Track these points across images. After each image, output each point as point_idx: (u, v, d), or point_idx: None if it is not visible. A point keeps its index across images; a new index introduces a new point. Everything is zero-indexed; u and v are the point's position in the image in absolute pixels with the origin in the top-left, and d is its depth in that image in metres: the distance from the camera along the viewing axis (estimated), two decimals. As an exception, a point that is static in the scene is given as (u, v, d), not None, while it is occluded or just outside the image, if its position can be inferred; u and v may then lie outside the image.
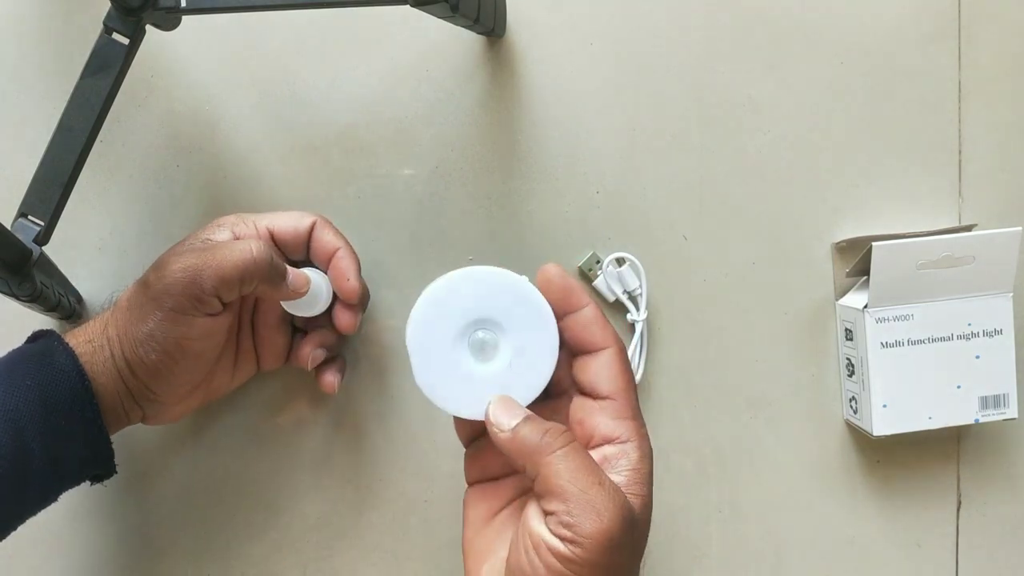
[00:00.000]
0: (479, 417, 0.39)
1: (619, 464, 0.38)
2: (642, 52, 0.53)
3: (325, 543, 0.53)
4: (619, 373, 0.39)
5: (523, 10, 0.52)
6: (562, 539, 0.35)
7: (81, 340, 0.44)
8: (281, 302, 0.47)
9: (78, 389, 0.42)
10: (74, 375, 0.42)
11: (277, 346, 0.50)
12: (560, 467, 0.36)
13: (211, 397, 0.49)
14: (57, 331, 0.45)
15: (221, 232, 0.46)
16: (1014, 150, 0.54)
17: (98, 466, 0.44)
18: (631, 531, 0.36)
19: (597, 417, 0.39)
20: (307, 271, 0.47)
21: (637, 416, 0.39)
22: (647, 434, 0.39)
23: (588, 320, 0.40)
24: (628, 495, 0.37)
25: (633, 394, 0.40)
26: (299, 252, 0.48)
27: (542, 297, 0.40)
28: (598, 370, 0.40)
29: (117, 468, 0.45)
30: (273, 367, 0.50)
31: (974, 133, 0.53)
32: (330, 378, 0.49)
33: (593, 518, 0.34)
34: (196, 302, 0.42)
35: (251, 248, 0.43)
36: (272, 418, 0.53)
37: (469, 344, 0.40)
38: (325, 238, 0.48)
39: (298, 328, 0.51)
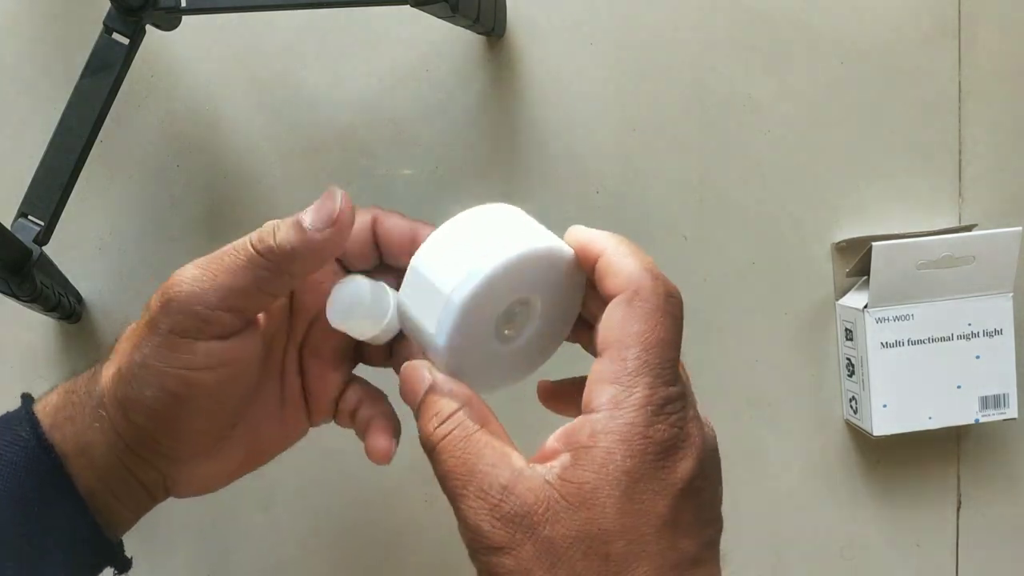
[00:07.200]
0: (483, 390, 0.34)
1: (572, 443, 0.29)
2: (642, 52, 0.53)
3: (325, 544, 0.53)
4: (617, 324, 0.30)
5: (523, 10, 0.52)
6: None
7: (63, 391, 0.36)
8: (331, 320, 0.35)
9: (46, 469, 0.34)
10: (35, 449, 0.34)
11: (331, 386, 0.39)
12: (438, 467, 0.31)
13: (254, 459, 0.39)
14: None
15: None
16: (1014, 150, 0.54)
17: (103, 564, 0.36)
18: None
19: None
20: (357, 279, 0.35)
21: (623, 379, 0.29)
22: (640, 403, 0.29)
23: (600, 272, 0.32)
24: (555, 482, 0.29)
25: (633, 351, 0.29)
26: (366, 259, 0.37)
27: (580, 270, 0.34)
28: (601, 324, 0.31)
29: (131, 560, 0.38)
30: (324, 420, 0.40)
31: (974, 133, 0.53)
32: (384, 444, 0.37)
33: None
34: (199, 321, 0.32)
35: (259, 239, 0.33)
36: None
37: (496, 327, 0.34)
38: (398, 223, 0.37)
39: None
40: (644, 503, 0.28)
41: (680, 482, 0.29)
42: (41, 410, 0.35)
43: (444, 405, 0.31)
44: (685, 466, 0.29)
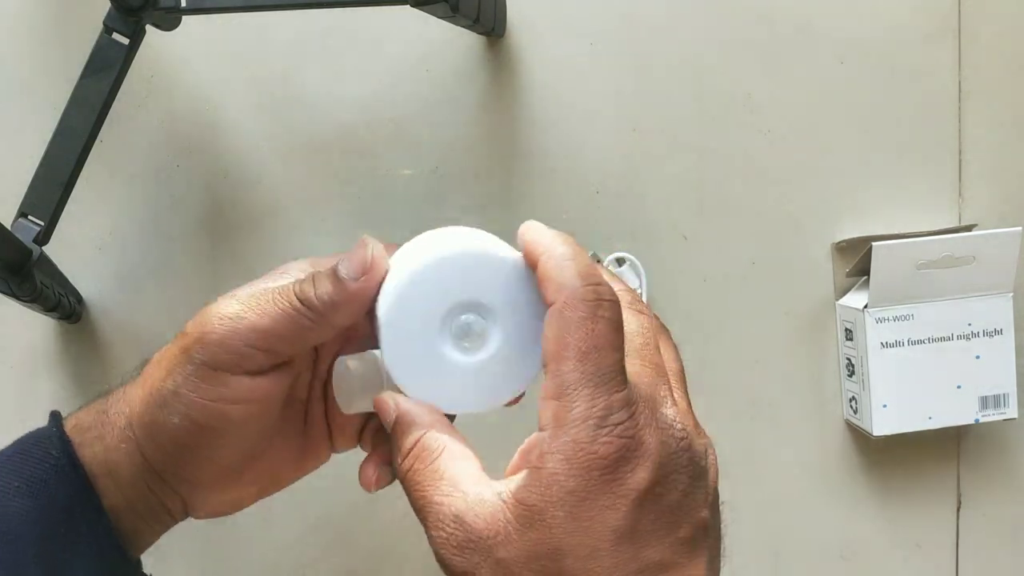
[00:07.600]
0: (463, 411, 0.35)
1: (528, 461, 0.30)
2: (642, 52, 0.53)
3: (324, 545, 0.53)
4: (552, 337, 0.29)
5: (523, 10, 0.52)
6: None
7: (92, 411, 0.36)
8: (343, 411, 0.37)
9: (75, 488, 0.34)
10: (65, 467, 0.34)
11: (354, 418, 0.39)
12: (408, 499, 0.32)
13: (274, 485, 0.40)
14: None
15: (283, 280, 0.35)
16: (1014, 150, 0.54)
17: None
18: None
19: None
20: (342, 363, 0.36)
21: (564, 393, 0.29)
22: (581, 417, 0.28)
23: (539, 278, 0.31)
24: (512, 504, 0.29)
25: (569, 363, 0.29)
26: None
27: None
28: (543, 337, 0.30)
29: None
30: (348, 448, 0.40)
31: (974, 133, 0.53)
32: (370, 472, 0.36)
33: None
34: (236, 356, 0.33)
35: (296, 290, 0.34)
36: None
37: (452, 331, 0.34)
38: None
39: None
40: (594, 519, 0.28)
41: (633, 492, 0.28)
42: (71, 428, 0.36)
43: (406, 440, 0.32)
44: (639, 476, 0.28)
